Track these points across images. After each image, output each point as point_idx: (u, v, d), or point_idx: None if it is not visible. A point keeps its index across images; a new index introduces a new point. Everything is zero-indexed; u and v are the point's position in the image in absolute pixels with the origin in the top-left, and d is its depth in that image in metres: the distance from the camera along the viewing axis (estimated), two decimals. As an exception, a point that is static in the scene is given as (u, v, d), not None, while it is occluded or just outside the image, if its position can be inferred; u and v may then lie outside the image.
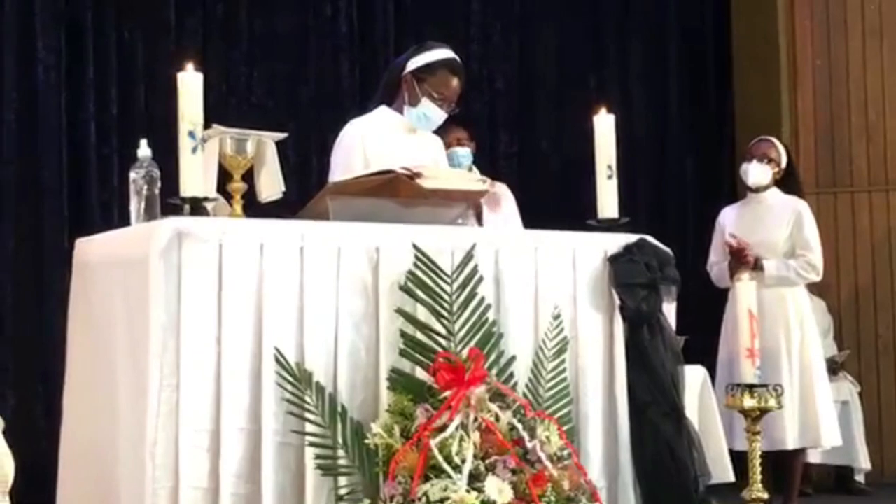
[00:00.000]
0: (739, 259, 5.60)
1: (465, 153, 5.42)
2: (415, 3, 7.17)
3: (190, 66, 3.12)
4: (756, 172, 5.74)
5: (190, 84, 3.11)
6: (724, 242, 5.72)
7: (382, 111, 4.24)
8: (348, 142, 4.14)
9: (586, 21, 7.66)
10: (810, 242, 5.69)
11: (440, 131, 5.68)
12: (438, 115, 4.19)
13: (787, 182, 5.82)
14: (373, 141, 4.10)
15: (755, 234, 5.66)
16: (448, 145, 5.48)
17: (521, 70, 7.45)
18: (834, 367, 6.59)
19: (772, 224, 5.70)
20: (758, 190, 5.79)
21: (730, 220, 5.86)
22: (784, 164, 5.82)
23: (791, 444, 5.43)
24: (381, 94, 4.32)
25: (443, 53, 4.21)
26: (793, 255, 5.66)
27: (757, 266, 5.57)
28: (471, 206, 4.03)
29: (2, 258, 5.88)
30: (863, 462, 6.64)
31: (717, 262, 5.83)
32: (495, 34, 7.39)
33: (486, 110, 7.30)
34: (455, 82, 4.19)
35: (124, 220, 3.45)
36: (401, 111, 4.21)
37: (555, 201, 7.30)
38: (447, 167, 4.40)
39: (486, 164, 6.23)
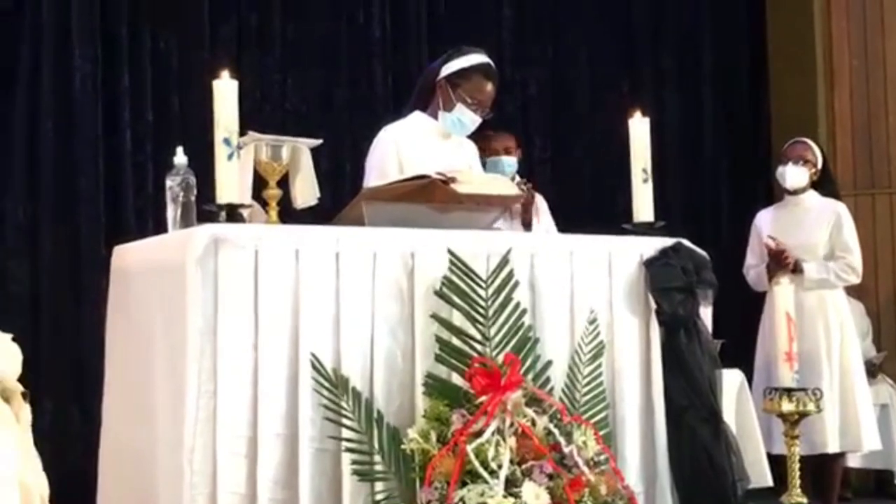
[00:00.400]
0: (779, 262, 5.57)
1: (511, 162, 5.43)
2: (448, 9, 7.16)
3: (225, 74, 3.14)
4: (793, 175, 5.71)
5: (225, 91, 3.12)
6: (761, 245, 5.68)
7: (417, 116, 4.25)
8: (383, 147, 4.15)
9: (619, 25, 7.63)
10: (850, 245, 5.65)
11: (486, 138, 5.71)
12: (473, 120, 4.19)
13: (824, 183, 5.79)
14: (407, 146, 4.10)
15: (794, 237, 5.62)
16: (495, 153, 5.49)
17: (553, 75, 7.43)
18: (872, 370, 6.54)
19: (810, 227, 5.67)
20: (795, 192, 5.75)
21: (767, 222, 5.82)
22: (820, 165, 5.78)
23: (831, 447, 5.39)
24: (415, 100, 4.32)
25: (477, 58, 4.21)
26: (832, 258, 5.62)
27: (796, 269, 5.54)
28: (511, 213, 4.04)
29: (39, 264, 5.91)
30: (903, 466, 6.58)
31: (754, 266, 5.80)
32: (528, 39, 7.37)
33: (520, 115, 7.28)
34: (489, 87, 4.19)
35: (159, 228, 3.48)
36: (435, 116, 4.21)
37: (588, 206, 7.28)
38: (481, 172, 4.40)
39: (521, 169, 6.21)
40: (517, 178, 5.31)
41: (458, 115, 4.16)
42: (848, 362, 5.52)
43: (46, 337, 5.86)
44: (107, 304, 3.52)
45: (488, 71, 4.20)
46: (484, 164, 5.56)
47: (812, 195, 5.75)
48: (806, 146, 5.79)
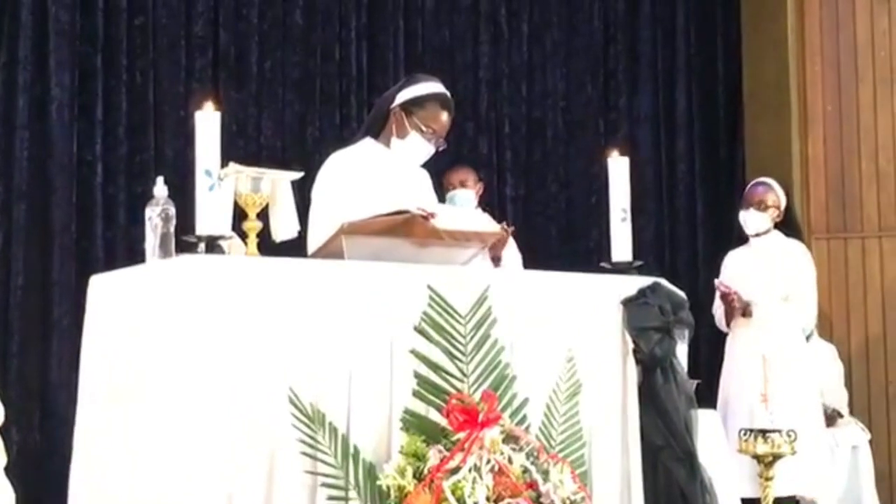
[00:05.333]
0: (725, 303, 5.63)
1: (466, 196, 5.38)
2: (424, 46, 7.21)
3: (208, 105, 3.13)
4: (753, 221, 5.77)
5: (207, 123, 3.12)
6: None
7: (367, 143, 4.20)
8: (332, 172, 4.09)
9: (595, 66, 7.68)
10: (804, 288, 5.70)
11: (445, 172, 5.70)
12: (426, 149, 4.14)
13: (787, 223, 5.83)
14: (358, 172, 4.05)
15: (755, 279, 5.67)
16: (451, 186, 5.49)
17: (529, 115, 7.47)
18: (832, 416, 6.53)
19: (771, 268, 5.72)
20: (757, 235, 5.80)
21: (732, 264, 5.88)
22: (783, 206, 5.82)
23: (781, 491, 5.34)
24: (367, 127, 4.29)
25: (433, 87, 4.17)
26: (789, 300, 5.67)
27: (746, 314, 5.60)
28: (486, 249, 4.01)
29: (10, 295, 5.88)
30: (872, 509, 6.60)
31: (718, 307, 5.86)
32: (504, 78, 7.42)
33: (494, 155, 7.32)
34: (445, 117, 4.14)
35: (130, 260, 3.47)
36: (387, 144, 4.16)
37: (561, 244, 7.33)
38: (436, 202, 4.33)
39: (495, 207, 6.23)
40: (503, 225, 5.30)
41: (412, 143, 4.11)
42: (803, 407, 5.52)
43: (14, 369, 5.82)
44: (80, 335, 3.48)
45: (444, 100, 4.16)
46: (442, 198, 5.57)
47: (775, 236, 5.81)
48: (767, 188, 5.83)
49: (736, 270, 5.80)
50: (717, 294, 5.88)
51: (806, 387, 5.62)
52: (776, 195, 5.83)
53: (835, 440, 6.44)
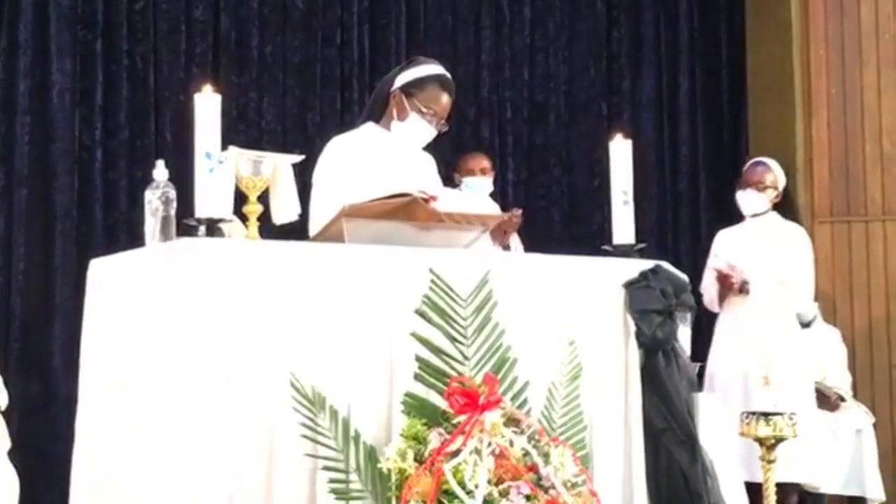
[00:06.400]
0: (724, 284, 5.58)
1: (481, 183, 5.40)
2: (426, 31, 7.19)
3: (207, 88, 3.12)
4: (751, 201, 5.73)
5: (207, 105, 3.10)
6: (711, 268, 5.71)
7: (369, 127, 4.19)
8: (332, 156, 4.09)
9: (598, 49, 7.66)
10: (802, 270, 5.67)
11: (463, 158, 5.70)
12: (427, 131, 4.13)
13: (786, 205, 5.80)
14: (359, 156, 4.04)
15: (749, 258, 5.63)
16: (471, 173, 5.48)
17: (531, 98, 7.46)
18: (829, 398, 6.52)
19: (766, 249, 5.68)
20: (755, 216, 5.77)
21: (725, 243, 5.84)
22: (782, 187, 5.79)
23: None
24: (368, 111, 4.27)
25: (433, 69, 4.16)
26: (785, 282, 5.64)
27: (743, 291, 5.55)
28: (495, 239, 4.00)
29: (12, 280, 5.89)
30: (876, 492, 6.59)
31: (707, 287, 5.81)
32: (506, 62, 7.40)
33: (497, 139, 7.31)
34: (445, 98, 4.12)
35: (132, 244, 3.46)
36: (388, 127, 4.15)
37: (563, 228, 7.32)
38: (439, 185, 4.31)
39: (497, 191, 6.22)
40: (516, 210, 5.29)
41: (413, 125, 4.09)
42: (797, 392, 5.48)
43: (17, 352, 5.83)
44: (81, 319, 3.48)
45: (444, 81, 4.14)
46: (459, 184, 5.57)
47: (772, 217, 5.78)
48: (766, 169, 5.80)
49: (730, 250, 5.76)
50: (708, 274, 5.82)
51: (800, 372, 5.58)
52: (775, 176, 5.79)
53: (838, 424, 6.44)
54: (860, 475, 6.35)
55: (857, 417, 6.60)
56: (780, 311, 5.63)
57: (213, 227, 3.07)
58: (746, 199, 5.73)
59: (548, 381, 3.38)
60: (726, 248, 5.78)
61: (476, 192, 5.19)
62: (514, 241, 5.42)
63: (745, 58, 7.67)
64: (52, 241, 5.98)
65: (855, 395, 6.82)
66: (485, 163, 5.69)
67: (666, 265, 3.66)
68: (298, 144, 6.24)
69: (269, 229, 3.43)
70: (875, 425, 6.68)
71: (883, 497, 6.62)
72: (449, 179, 5.24)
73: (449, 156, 5.79)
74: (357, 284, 3.15)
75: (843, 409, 6.54)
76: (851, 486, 6.44)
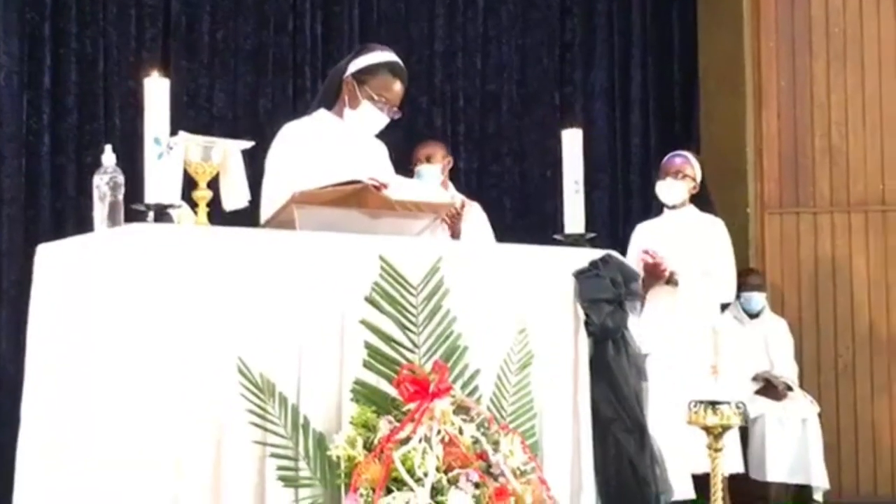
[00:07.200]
0: (654, 274, 5.60)
1: (431, 171, 5.36)
2: (379, 19, 7.16)
3: (155, 73, 3.10)
4: (671, 190, 5.77)
5: (156, 90, 3.09)
6: (638, 259, 5.72)
7: (321, 114, 4.18)
8: (285, 143, 4.07)
9: (550, 40, 7.67)
10: (724, 261, 5.73)
11: (412, 146, 5.68)
12: (379, 119, 4.11)
13: (703, 197, 5.85)
14: (311, 143, 4.03)
15: (670, 252, 5.67)
16: (418, 161, 5.47)
17: (483, 88, 7.45)
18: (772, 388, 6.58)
19: (687, 242, 5.73)
20: (674, 207, 5.82)
21: (644, 235, 5.88)
22: (699, 179, 5.84)
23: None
24: (320, 98, 4.26)
25: (385, 56, 4.15)
26: (708, 272, 5.69)
27: (671, 281, 5.60)
28: (442, 222, 4.00)
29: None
30: (821, 480, 6.66)
31: None
32: (458, 51, 7.39)
33: (449, 127, 7.30)
34: (397, 85, 4.12)
35: (80, 231, 3.43)
36: (341, 115, 4.14)
37: (515, 217, 7.32)
38: (391, 172, 4.31)
39: (448, 180, 6.20)
40: (450, 186, 5.28)
41: (365, 113, 4.08)
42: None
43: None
44: (27, 305, 3.44)
45: (396, 68, 4.13)
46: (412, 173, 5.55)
47: (690, 210, 5.83)
48: (685, 160, 5.85)
49: (651, 242, 5.79)
50: (637, 264, 5.84)
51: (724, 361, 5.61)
52: (693, 167, 5.85)
53: (785, 413, 6.50)
54: (805, 464, 6.42)
55: (803, 407, 6.66)
56: (705, 301, 5.68)
57: (161, 213, 3.05)
58: (666, 188, 5.78)
59: (498, 370, 3.39)
60: (647, 240, 5.81)
61: (425, 180, 5.16)
62: (477, 227, 5.38)
63: (697, 49, 7.70)
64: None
65: (801, 385, 6.89)
66: (431, 150, 5.67)
67: (616, 255, 3.68)
68: (249, 131, 6.19)
69: (218, 215, 3.41)
70: (820, 415, 6.75)
71: (827, 485, 6.69)
72: (407, 168, 5.23)
73: (402, 144, 5.77)
74: (307, 271, 3.15)
75: (789, 399, 6.60)
76: (797, 475, 6.50)
